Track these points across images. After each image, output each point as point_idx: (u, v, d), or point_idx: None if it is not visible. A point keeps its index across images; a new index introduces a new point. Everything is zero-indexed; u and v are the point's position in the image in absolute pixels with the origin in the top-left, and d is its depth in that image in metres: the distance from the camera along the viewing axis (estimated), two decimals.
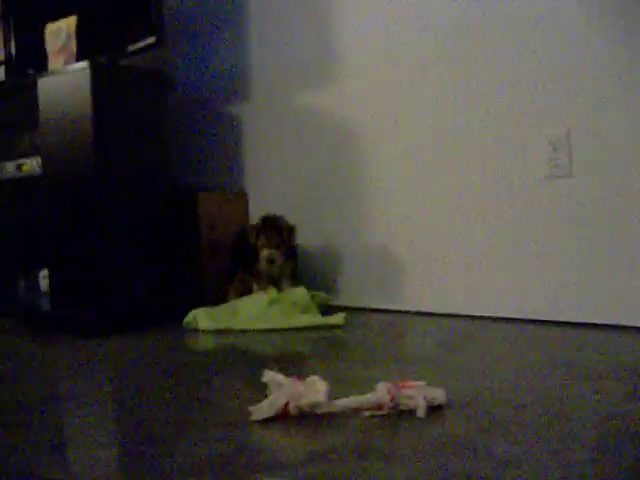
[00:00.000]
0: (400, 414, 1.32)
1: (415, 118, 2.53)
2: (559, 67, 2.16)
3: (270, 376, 1.42)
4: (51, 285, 2.66)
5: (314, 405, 1.31)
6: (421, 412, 1.30)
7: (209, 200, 2.88)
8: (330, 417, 1.32)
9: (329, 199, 2.81)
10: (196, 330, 2.43)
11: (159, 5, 2.54)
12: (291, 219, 2.67)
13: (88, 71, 2.42)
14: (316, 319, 2.40)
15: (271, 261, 2.58)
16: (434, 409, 1.34)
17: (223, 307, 2.54)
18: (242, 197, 3.04)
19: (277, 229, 2.60)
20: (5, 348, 2.39)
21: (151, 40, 2.56)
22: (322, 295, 2.62)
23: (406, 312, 2.56)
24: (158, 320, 2.57)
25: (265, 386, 1.45)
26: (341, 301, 2.73)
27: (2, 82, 3.21)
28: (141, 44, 2.59)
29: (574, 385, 1.51)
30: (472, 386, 1.55)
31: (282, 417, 1.32)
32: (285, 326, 2.36)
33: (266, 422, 1.32)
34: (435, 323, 2.37)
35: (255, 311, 2.45)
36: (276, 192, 2.98)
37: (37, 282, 3.02)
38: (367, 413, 1.32)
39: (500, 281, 2.33)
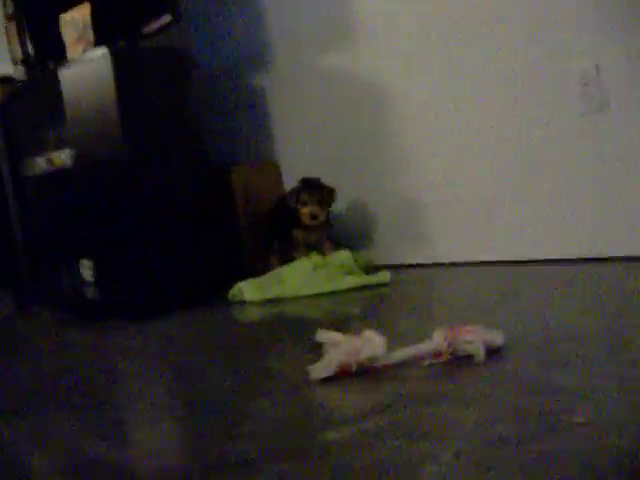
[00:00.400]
0: (459, 359, 1.32)
1: (443, 68, 2.48)
2: (585, 4, 2.11)
3: (325, 335, 1.42)
4: (97, 274, 2.69)
5: (373, 359, 1.31)
6: (480, 356, 1.29)
7: (242, 173, 2.88)
8: (390, 369, 1.32)
9: (359, 160, 2.79)
10: (242, 302, 2.43)
11: None
12: (324, 182, 2.66)
13: (109, 57, 2.42)
14: (362, 279, 2.40)
15: (313, 217, 2.58)
16: (493, 352, 1.33)
17: (267, 276, 2.54)
18: (274, 167, 3.03)
19: (318, 188, 2.61)
20: (60, 338, 2.43)
21: (167, 18, 2.54)
22: (363, 256, 2.61)
23: (447, 264, 2.54)
24: (205, 297, 2.58)
25: (321, 347, 1.45)
26: (380, 260, 2.71)
27: (24, 80, 3.23)
28: (158, 24, 2.58)
29: (633, 317, 1.49)
30: (528, 327, 1.54)
31: (342, 374, 1.32)
32: (332, 289, 2.35)
33: (327, 381, 1.32)
34: (478, 272, 2.35)
35: (301, 277, 2.45)
36: (307, 158, 2.97)
37: (79, 272, 3.05)
38: (426, 362, 1.32)
39: (540, 223, 2.30)
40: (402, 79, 2.60)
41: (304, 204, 2.59)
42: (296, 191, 2.63)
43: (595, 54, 2.10)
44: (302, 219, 2.60)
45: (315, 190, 2.61)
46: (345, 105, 2.80)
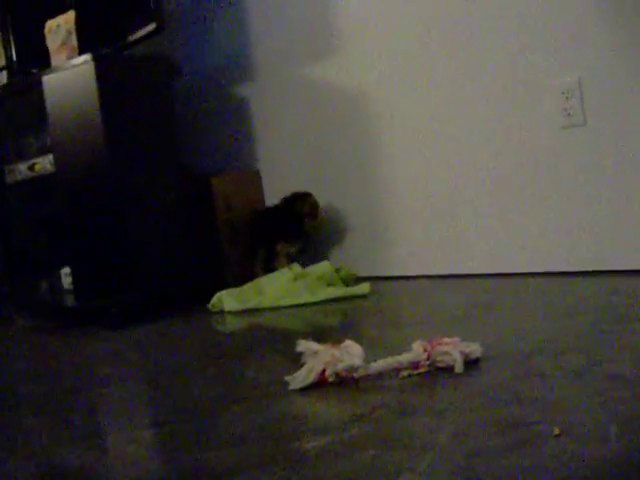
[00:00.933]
0: (437, 371, 1.32)
1: (423, 79, 2.50)
2: (567, 16, 2.13)
3: (304, 345, 1.42)
4: (74, 280, 2.67)
5: (351, 369, 1.31)
6: (459, 367, 1.29)
7: (223, 182, 2.87)
8: (368, 380, 1.32)
9: (340, 171, 2.79)
10: (222, 312, 2.42)
11: None
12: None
13: (92, 64, 2.42)
14: (342, 290, 2.40)
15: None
16: (471, 363, 1.33)
17: (247, 287, 2.53)
18: (256, 177, 3.03)
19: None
20: (36, 345, 2.41)
21: (152, 27, 2.54)
22: (346, 268, 2.61)
23: (427, 276, 2.55)
24: (184, 306, 2.58)
25: (300, 356, 1.45)
26: (359, 271, 2.71)
27: (6, 84, 3.21)
28: (142, 32, 2.58)
29: (610, 329, 1.50)
30: (506, 339, 1.54)
31: (320, 384, 1.32)
32: (312, 300, 2.35)
33: (305, 390, 1.32)
34: (458, 285, 2.36)
35: (281, 288, 2.44)
36: (288, 168, 2.97)
37: (59, 280, 3.03)
38: (405, 373, 1.32)
39: (520, 236, 2.32)
40: (384, 91, 2.62)
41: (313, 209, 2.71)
42: (298, 199, 2.72)
43: (578, 68, 2.12)
44: (307, 223, 2.71)
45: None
46: (327, 116, 2.81)
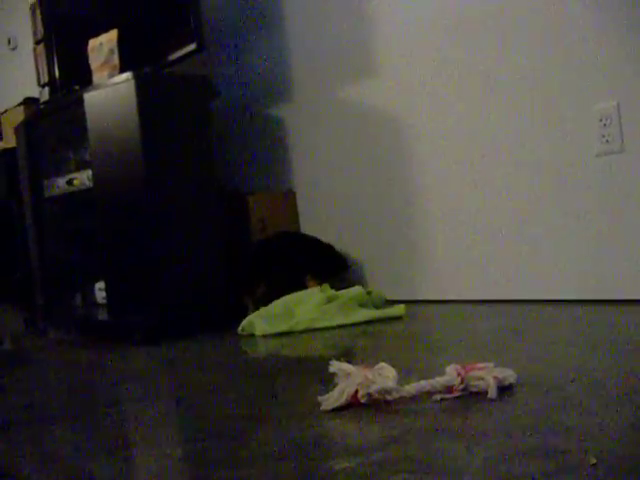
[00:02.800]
0: (471, 396, 1.31)
1: (459, 104, 2.51)
2: (605, 40, 2.12)
3: (337, 366, 1.42)
4: (108, 295, 2.70)
5: (384, 391, 1.31)
6: (492, 392, 1.28)
7: (259, 202, 2.90)
8: (401, 403, 1.31)
9: (375, 193, 2.80)
10: (252, 335, 2.39)
11: (198, 11, 2.57)
12: (339, 214, 2.68)
13: (132, 82, 2.46)
14: (377, 312, 2.39)
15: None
16: (505, 389, 1.32)
17: (277, 308, 2.47)
18: (291, 197, 3.05)
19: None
20: (69, 358, 2.43)
21: (192, 47, 2.59)
22: (378, 291, 2.61)
23: (459, 301, 2.54)
24: (215, 326, 2.58)
25: (332, 377, 1.44)
26: (393, 296, 2.70)
27: (48, 100, 3.27)
28: (182, 52, 2.62)
29: None
30: (540, 366, 1.53)
31: (352, 405, 1.32)
32: (346, 322, 2.33)
33: (337, 411, 1.31)
34: (490, 310, 2.34)
35: (314, 310, 2.40)
36: (324, 190, 2.98)
37: (93, 294, 3.06)
38: (438, 396, 1.31)
39: (553, 263, 2.30)
40: (419, 115, 2.62)
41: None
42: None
43: (616, 93, 2.11)
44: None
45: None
46: (362, 138, 2.82)
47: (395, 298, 2.66)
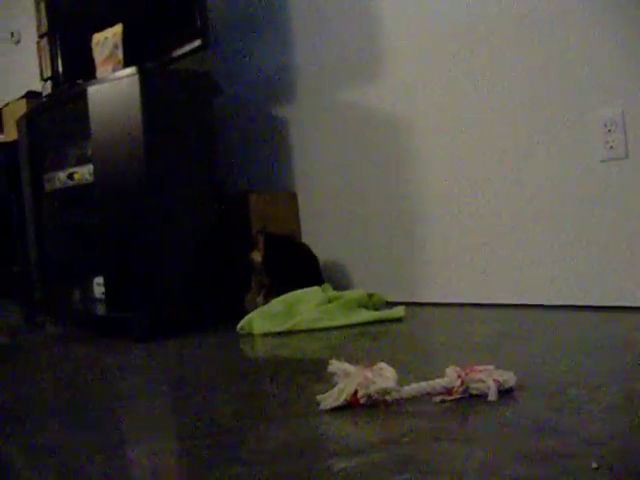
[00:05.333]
0: (471, 398, 1.30)
1: (464, 110, 2.50)
2: (611, 46, 2.11)
3: (336, 365, 1.41)
4: (106, 291, 2.69)
5: (383, 392, 1.30)
6: (493, 395, 1.27)
7: (260, 201, 2.89)
8: (400, 403, 1.31)
9: (377, 196, 2.79)
10: (251, 334, 2.38)
11: (204, 8, 2.56)
12: (340, 216, 2.67)
13: (137, 76, 2.45)
14: (377, 313, 2.38)
15: None
16: (505, 392, 1.31)
17: (277, 306, 2.45)
18: (292, 197, 3.04)
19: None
20: (66, 353, 2.42)
21: (197, 43, 2.58)
22: (378, 294, 2.60)
23: (458, 304, 2.53)
24: (213, 324, 2.57)
25: (331, 377, 1.44)
26: (394, 297, 2.70)
27: (51, 94, 3.27)
28: (187, 48, 2.61)
29: None
30: (540, 370, 1.52)
31: (351, 405, 1.31)
32: (347, 322, 2.32)
33: (335, 411, 1.31)
34: (490, 314, 2.33)
35: (314, 310, 2.39)
36: (324, 191, 2.98)
37: (92, 289, 3.05)
38: (437, 398, 1.30)
39: (555, 269, 2.29)
40: (424, 120, 2.62)
41: None
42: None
43: (621, 100, 2.10)
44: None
45: None
46: (365, 141, 2.82)
47: (395, 300, 2.66)
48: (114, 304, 2.66)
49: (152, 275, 2.52)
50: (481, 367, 1.35)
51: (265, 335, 2.33)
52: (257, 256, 2.67)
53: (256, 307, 2.52)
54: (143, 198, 2.51)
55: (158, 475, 1.12)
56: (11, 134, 3.70)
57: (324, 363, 1.47)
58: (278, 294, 2.51)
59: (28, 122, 3.12)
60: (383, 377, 1.31)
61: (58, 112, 2.96)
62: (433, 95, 2.58)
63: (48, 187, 3.01)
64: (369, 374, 1.32)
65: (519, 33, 2.32)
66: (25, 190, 3.20)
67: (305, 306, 2.43)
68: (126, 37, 2.71)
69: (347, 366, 1.39)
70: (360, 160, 2.84)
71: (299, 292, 2.51)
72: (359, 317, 2.35)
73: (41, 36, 3.79)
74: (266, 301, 2.54)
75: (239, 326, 2.41)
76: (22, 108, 3.65)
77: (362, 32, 2.78)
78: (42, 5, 3.70)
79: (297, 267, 2.71)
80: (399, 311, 2.36)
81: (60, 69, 3.26)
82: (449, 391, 1.31)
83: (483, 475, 0.96)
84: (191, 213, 2.61)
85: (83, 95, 2.63)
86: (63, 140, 2.98)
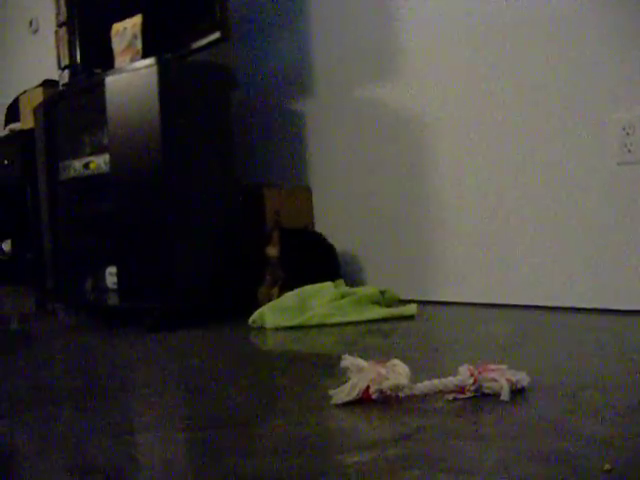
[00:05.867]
0: (483, 397, 1.30)
1: (483, 108, 2.49)
2: (631, 48, 2.10)
3: (349, 360, 1.41)
4: (119, 280, 2.70)
5: (396, 388, 1.30)
6: (505, 394, 1.27)
7: (274, 194, 2.89)
8: (412, 400, 1.31)
9: (391, 193, 2.79)
10: (263, 327, 2.38)
11: (223, 0, 2.56)
12: (354, 213, 2.67)
13: (155, 67, 2.45)
14: (390, 310, 2.38)
15: None
16: (517, 392, 1.31)
17: (290, 300, 2.45)
18: (306, 191, 3.04)
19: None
20: (77, 342, 2.43)
21: (216, 36, 2.58)
22: (391, 291, 2.60)
23: (471, 304, 2.53)
24: (225, 317, 2.57)
25: (344, 372, 1.43)
26: (407, 295, 2.69)
27: (68, 83, 3.27)
28: (206, 40, 2.61)
29: None
30: (553, 371, 1.52)
31: (363, 401, 1.31)
32: (359, 319, 2.32)
33: (347, 406, 1.31)
34: (504, 314, 2.33)
35: (326, 305, 2.39)
36: (339, 187, 2.97)
37: (104, 279, 3.07)
38: (450, 396, 1.30)
39: (571, 270, 2.28)
40: (440, 114, 2.61)
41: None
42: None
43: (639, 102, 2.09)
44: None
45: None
46: (381, 137, 2.81)
47: (408, 298, 2.65)
48: (126, 294, 2.67)
49: (165, 266, 2.53)
50: (494, 366, 1.35)
51: (277, 329, 2.33)
52: (273, 251, 2.67)
53: (270, 300, 2.52)
54: (158, 189, 2.52)
55: (168, 464, 1.12)
56: (27, 122, 3.71)
57: (336, 358, 1.47)
58: (293, 288, 2.51)
59: (45, 111, 3.13)
60: (396, 373, 1.31)
61: (75, 101, 2.97)
62: (449, 93, 2.58)
63: (63, 176, 3.02)
64: (382, 370, 1.32)
65: (538, 33, 2.31)
66: (40, 178, 3.21)
67: (317, 301, 2.43)
68: (145, 28, 2.71)
69: (360, 361, 1.39)
70: (375, 156, 2.84)
71: (311, 287, 2.51)
72: (371, 314, 2.35)
73: (60, 25, 3.79)
74: (281, 295, 2.54)
75: (251, 319, 2.41)
76: (39, 97, 3.66)
77: (380, 28, 2.77)
78: None
79: (313, 261, 2.72)
80: (411, 309, 2.36)
81: (78, 58, 3.27)
82: (462, 389, 1.31)
83: (494, 473, 0.96)
84: (206, 205, 2.61)
85: (101, 85, 2.63)
86: (79, 129, 2.99)
